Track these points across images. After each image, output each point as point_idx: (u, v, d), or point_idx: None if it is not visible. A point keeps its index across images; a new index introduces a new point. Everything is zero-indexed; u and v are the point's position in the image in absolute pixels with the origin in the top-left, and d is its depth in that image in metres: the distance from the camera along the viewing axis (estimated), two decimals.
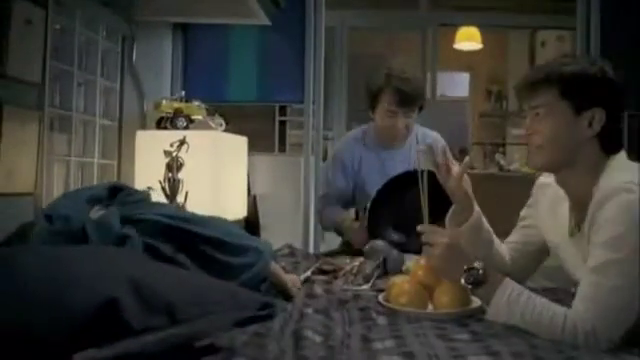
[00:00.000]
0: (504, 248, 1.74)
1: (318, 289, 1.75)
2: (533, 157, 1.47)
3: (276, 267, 1.65)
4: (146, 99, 3.13)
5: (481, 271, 1.39)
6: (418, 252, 1.62)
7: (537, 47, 6.40)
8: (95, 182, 2.76)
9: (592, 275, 1.28)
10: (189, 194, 2.56)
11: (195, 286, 1.30)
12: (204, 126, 2.92)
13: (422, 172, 1.58)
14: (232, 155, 2.97)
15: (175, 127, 2.84)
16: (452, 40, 6.21)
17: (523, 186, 1.85)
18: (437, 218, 1.62)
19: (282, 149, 3.82)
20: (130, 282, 1.16)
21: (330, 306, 1.51)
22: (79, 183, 2.71)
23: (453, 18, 4.55)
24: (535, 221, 1.67)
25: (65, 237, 1.44)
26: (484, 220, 1.70)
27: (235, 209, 2.97)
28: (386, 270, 1.89)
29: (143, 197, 1.69)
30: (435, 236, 1.46)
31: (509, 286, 1.36)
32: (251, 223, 3.22)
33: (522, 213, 1.74)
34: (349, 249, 2.38)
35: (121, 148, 2.96)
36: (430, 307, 1.49)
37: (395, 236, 2.23)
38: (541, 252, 1.69)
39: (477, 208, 1.68)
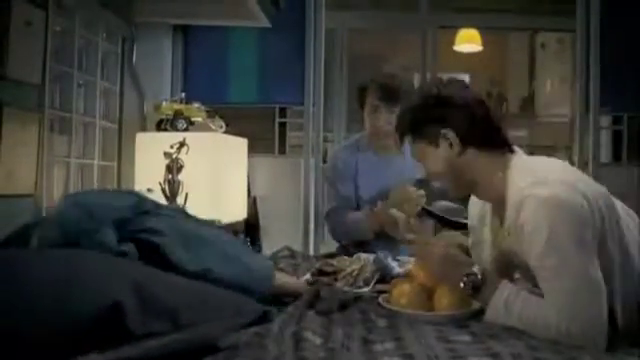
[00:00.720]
0: None
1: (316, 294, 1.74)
2: (449, 192, 1.62)
3: (281, 279, 1.66)
4: (146, 101, 3.14)
5: (479, 276, 1.41)
6: None
7: (537, 49, 6.40)
8: (95, 184, 2.76)
9: (545, 283, 1.32)
10: (189, 196, 2.56)
11: (197, 293, 1.31)
12: (204, 128, 2.92)
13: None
14: (232, 157, 2.98)
15: (175, 129, 2.84)
16: (452, 42, 6.20)
17: None
18: None
19: (282, 151, 3.82)
20: (134, 287, 1.17)
21: (330, 308, 1.50)
22: (79, 185, 2.71)
23: (453, 20, 4.54)
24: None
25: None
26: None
27: (235, 211, 2.98)
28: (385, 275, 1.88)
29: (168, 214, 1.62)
30: (428, 249, 1.51)
31: (506, 288, 1.37)
32: (251, 225, 3.22)
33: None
34: (348, 251, 2.38)
35: (121, 150, 2.96)
36: (430, 309, 1.48)
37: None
38: None
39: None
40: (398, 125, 1.59)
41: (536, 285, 1.38)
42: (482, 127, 1.49)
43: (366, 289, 1.76)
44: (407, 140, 1.58)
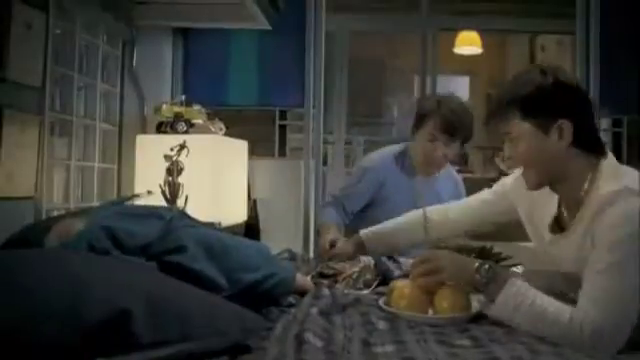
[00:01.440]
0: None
1: (321, 292, 1.74)
2: (525, 180, 1.52)
3: (301, 280, 1.75)
4: (146, 103, 3.14)
5: (487, 265, 1.41)
6: None
7: (537, 51, 6.41)
8: (95, 186, 2.76)
9: (597, 277, 1.30)
10: (189, 198, 2.56)
11: (206, 305, 1.31)
12: (204, 130, 2.92)
13: None
14: (232, 159, 2.98)
15: (175, 131, 2.84)
16: (452, 44, 6.22)
17: None
18: None
19: (282, 153, 3.82)
20: (144, 295, 1.18)
21: (331, 310, 1.51)
22: (79, 187, 2.71)
23: (453, 22, 4.55)
24: (498, 203, 1.78)
25: None
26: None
27: (235, 213, 2.98)
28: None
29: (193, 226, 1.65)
30: (424, 266, 1.51)
31: (516, 283, 1.37)
32: (251, 227, 3.22)
33: (490, 194, 1.84)
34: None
35: (121, 152, 2.96)
36: (430, 312, 1.48)
37: None
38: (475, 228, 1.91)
39: None
40: (503, 96, 1.46)
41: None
42: (592, 125, 1.46)
43: (366, 291, 1.76)
44: (500, 115, 1.46)
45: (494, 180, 1.94)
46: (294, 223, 3.54)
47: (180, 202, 2.57)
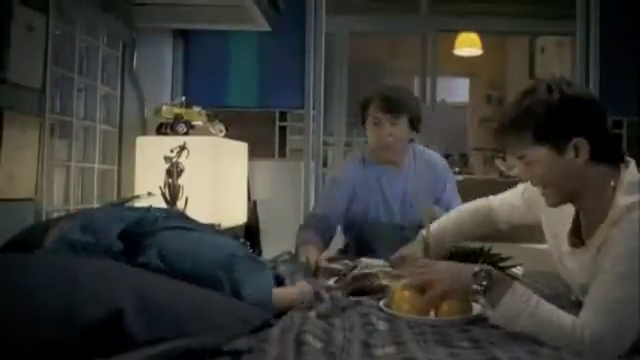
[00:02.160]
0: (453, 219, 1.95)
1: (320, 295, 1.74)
2: (546, 199, 1.46)
3: (279, 294, 1.58)
4: (146, 105, 3.14)
5: (483, 272, 1.39)
6: None
7: (537, 53, 6.41)
8: (95, 188, 2.76)
9: (603, 286, 1.29)
10: (189, 200, 2.56)
11: (199, 300, 1.31)
12: (204, 132, 2.92)
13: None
14: (232, 161, 2.98)
15: (175, 133, 2.84)
16: (452, 46, 6.22)
17: None
18: None
19: (282, 154, 3.82)
20: (136, 294, 1.18)
21: (331, 313, 1.50)
22: (79, 188, 2.71)
23: (453, 24, 4.55)
24: (525, 210, 1.74)
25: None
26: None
27: (235, 215, 2.98)
28: None
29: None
30: (422, 277, 1.49)
31: (518, 290, 1.34)
32: (251, 229, 3.22)
33: (518, 195, 1.80)
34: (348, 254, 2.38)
35: (121, 154, 2.96)
36: (431, 314, 1.48)
37: None
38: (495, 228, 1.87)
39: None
40: (512, 121, 1.40)
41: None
42: (607, 136, 1.40)
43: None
44: (510, 140, 1.41)
45: (494, 181, 1.93)
46: (294, 224, 3.52)
47: (180, 204, 2.57)
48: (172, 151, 2.59)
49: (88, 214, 1.60)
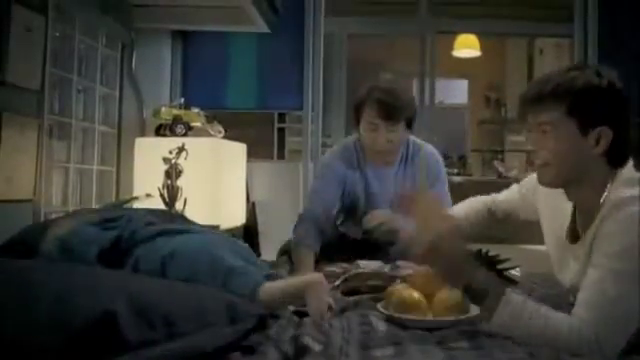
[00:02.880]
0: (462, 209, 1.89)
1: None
2: (541, 174, 1.44)
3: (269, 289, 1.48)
4: (145, 106, 3.14)
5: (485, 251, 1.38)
6: None
7: (535, 55, 6.41)
8: (94, 189, 2.76)
9: (596, 284, 1.28)
10: (188, 201, 2.56)
11: (192, 299, 1.30)
12: (203, 133, 2.92)
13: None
14: (231, 162, 2.98)
15: (174, 134, 2.84)
16: (451, 47, 6.23)
17: None
18: None
19: (281, 156, 3.82)
20: (128, 296, 1.17)
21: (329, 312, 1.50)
22: (78, 190, 2.71)
23: (452, 26, 4.55)
24: (522, 205, 1.73)
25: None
26: None
27: (234, 216, 2.97)
28: None
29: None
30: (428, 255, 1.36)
31: (512, 299, 1.31)
32: (250, 230, 3.22)
33: (517, 189, 1.78)
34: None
35: (120, 155, 2.96)
36: (429, 315, 1.48)
37: None
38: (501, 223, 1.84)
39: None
40: (552, 84, 1.36)
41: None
42: (628, 139, 1.39)
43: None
44: (543, 103, 1.37)
45: (492, 183, 1.92)
46: (293, 226, 3.54)
47: (179, 205, 2.57)
48: (171, 152, 2.59)
49: (68, 230, 1.62)
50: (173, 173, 2.58)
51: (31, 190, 2.14)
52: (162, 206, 2.55)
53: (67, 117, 2.56)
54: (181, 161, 2.59)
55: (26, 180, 2.12)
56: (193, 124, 2.92)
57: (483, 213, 1.88)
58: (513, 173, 5.76)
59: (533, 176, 1.57)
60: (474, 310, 1.46)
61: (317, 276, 1.55)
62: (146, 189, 2.61)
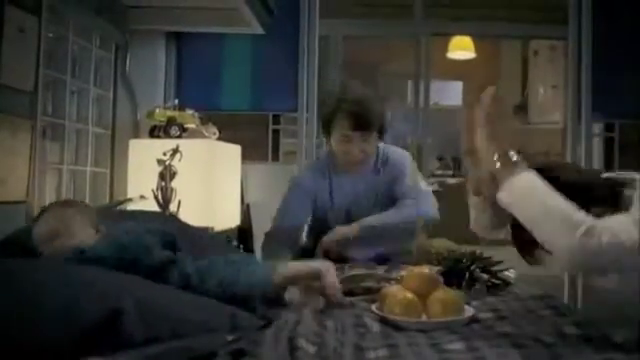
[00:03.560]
0: None
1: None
2: None
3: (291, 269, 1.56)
4: (139, 107, 3.13)
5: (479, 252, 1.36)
6: None
7: (530, 56, 6.43)
8: (88, 190, 2.75)
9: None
10: (182, 203, 2.56)
11: (197, 305, 1.33)
12: (197, 135, 2.92)
13: None
14: (225, 164, 2.97)
15: (168, 136, 2.84)
16: (445, 49, 6.24)
17: None
18: None
19: (275, 158, 3.82)
20: (134, 294, 1.20)
21: (324, 313, 1.50)
22: (71, 191, 2.70)
23: (446, 27, 4.56)
24: None
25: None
26: None
27: (228, 218, 2.97)
28: None
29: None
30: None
31: (537, 176, 1.27)
32: (244, 232, 3.22)
33: None
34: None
35: (114, 156, 2.96)
36: (423, 316, 1.48)
37: None
38: None
39: None
40: None
41: None
42: None
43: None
44: None
45: None
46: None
47: (173, 207, 2.57)
48: (165, 154, 2.59)
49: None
50: (167, 175, 2.58)
51: (24, 192, 2.13)
52: (156, 208, 2.55)
53: (60, 118, 2.55)
54: (175, 163, 2.59)
55: (19, 182, 2.11)
56: (187, 126, 2.91)
57: None
58: None
59: None
60: (469, 311, 1.46)
61: (329, 262, 1.63)
62: (140, 191, 2.61)
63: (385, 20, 4.39)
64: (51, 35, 2.42)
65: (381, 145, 2.42)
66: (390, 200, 2.36)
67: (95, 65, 2.85)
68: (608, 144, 3.72)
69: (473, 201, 1.58)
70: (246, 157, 3.21)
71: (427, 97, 4.27)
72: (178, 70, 3.64)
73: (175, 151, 2.59)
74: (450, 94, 7.16)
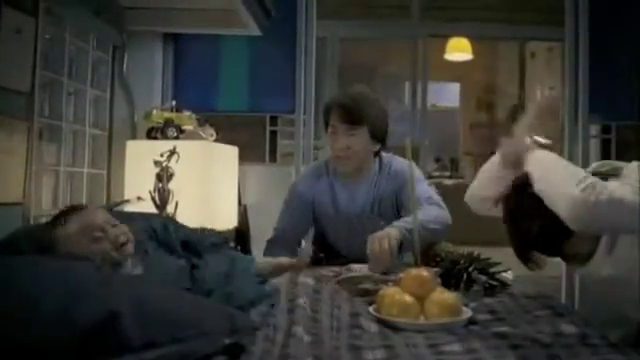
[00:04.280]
0: None
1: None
2: None
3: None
4: (136, 109, 3.13)
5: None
6: None
7: (527, 58, 6.45)
8: (85, 192, 2.74)
9: None
10: (179, 204, 2.56)
11: (195, 307, 1.33)
12: (195, 136, 2.91)
13: None
14: (223, 165, 2.97)
15: (165, 137, 2.83)
16: (443, 51, 6.26)
17: None
18: None
19: (273, 159, 3.81)
20: (133, 298, 1.20)
21: (321, 311, 1.50)
22: (68, 193, 2.69)
23: (444, 29, 4.57)
24: None
25: None
26: None
27: (225, 219, 2.97)
28: None
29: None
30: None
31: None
32: (241, 233, 3.21)
33: None
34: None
35: (111, 158, 2.95)
36: (421, 317, 1.48)
37: None
38: None
39: None
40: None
41: None
42: None
43: None
44: None
45: None
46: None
47: (170, 208, 2.56)
48: (162, 155, 2.58)
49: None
50: (164, 176, 2.58)
51: (21, 193, 2.12)
52: (153, 210, 2.54)
53: (57, 120, 2.55)
54: (172, 164, 2.58)
55: (16, 183, 2.10)
56: (184, 127, 2.91)
57: None
58: None
59: None
60: (466, 313, 1.46)
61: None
62: (137, 192, 2.60)
63: (383, 22, 4.40)
64: (48, 36, 2.41)
65: (385, 155, 2.37)
66: (393, 209, 2.29)
67: (92, 66, 2.84)
68: (605, 145, 3.72)
69: (487, 171, 1.82)
70: (243, 158, 3.20)
71: (424, 98, 4.28)
72: (175, 71, 3.63)
73: (172, 152, 2.58)
74: (447, 95, 7.18)
